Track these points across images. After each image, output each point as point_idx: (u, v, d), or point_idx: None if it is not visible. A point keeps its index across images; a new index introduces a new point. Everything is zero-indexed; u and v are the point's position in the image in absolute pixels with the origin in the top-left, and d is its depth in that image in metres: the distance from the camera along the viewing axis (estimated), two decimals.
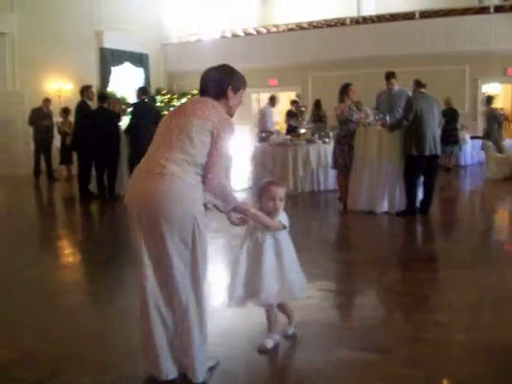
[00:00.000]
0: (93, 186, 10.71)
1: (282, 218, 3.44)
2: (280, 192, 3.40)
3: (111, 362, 3.38)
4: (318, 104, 13.78)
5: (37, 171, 13.99)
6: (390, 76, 8.83)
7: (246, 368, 3.35)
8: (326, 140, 10.94)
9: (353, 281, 5.28)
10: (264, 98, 19.36)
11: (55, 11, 15.84)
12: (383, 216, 8.14)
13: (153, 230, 2.92)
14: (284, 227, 3.43)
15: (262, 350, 3.47)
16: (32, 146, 14.30)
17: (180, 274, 2.95)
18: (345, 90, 8.72)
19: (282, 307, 3.63)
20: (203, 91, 3.19)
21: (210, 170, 2.96)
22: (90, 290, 5.19)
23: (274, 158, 10.81)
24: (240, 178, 13.55)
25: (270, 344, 3.51)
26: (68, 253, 7.01)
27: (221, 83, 3.18)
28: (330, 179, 10.61)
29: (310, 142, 10.94)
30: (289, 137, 11.70)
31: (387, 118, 8.49)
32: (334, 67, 16.69)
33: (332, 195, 9.90)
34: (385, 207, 8.25)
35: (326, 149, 10.61)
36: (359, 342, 3.61)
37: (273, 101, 13.69)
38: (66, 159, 13.80)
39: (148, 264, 2.97)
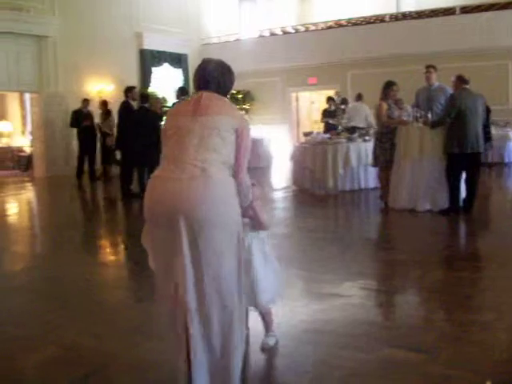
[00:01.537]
0: (134, 186, 10.85)
1: (264, 218, 3.44)
2: (256, 192, 3.35)
3: (153, 361, 3.42)
4: (359, 98, 13.67)
5: (79, 171, 14.23)
6: (430, 68, 8.65)
7: (286, 366, 3.36)
8: (367, 138, 10.86)
9: (395, 280, 5.24)
10: (302, 96, 19.36)
11: (96, 14, 16.11)
12: (425, 214, 8.04)
13: (202, 237, 2.80)
14: (268, 227, 3.46)
15: (266, 349, 3.50)
16: (75, 146, 14.55)
17: (230, 277, 2.89)
18: (387, 87, 8.66)
19: (263, 313, 3.57)
20: (210, 86, 3.07)
21: (240, 170, 2.96)
22: (133, 288, 5.27)
23: (313, 157, 10.77)
24: (280, 177, 13.62)
25: (272, 341, 3.53)
26: (111, 251, 7.13)
27: (228, 81, 3.15)
28: (370, 177, 10.54)
29: (349, 139, 10.89)
30: (328, 135, 11.66)
31: (429, 115, 8.38)
32: (373, 65, 16.57)
33: (373, 193, 9.83)
34: (427, 205, 8.15)
35: (366, 146, 10.52)
36: (402, 342, 3.58)
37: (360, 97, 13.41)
38: (107, 159, 14.03)
39: (190, 273, 2.82)
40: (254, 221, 3.35)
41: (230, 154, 2.92)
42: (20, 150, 18.18)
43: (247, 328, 3.60)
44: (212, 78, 3.08)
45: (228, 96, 3.20)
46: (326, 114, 14.46)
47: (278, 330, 3.70)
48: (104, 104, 14.06)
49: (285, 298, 4.36)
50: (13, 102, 19.11)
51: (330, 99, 14.61)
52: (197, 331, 2.84)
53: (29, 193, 13.61)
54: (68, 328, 4.10)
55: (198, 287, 2.83)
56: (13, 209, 11.32)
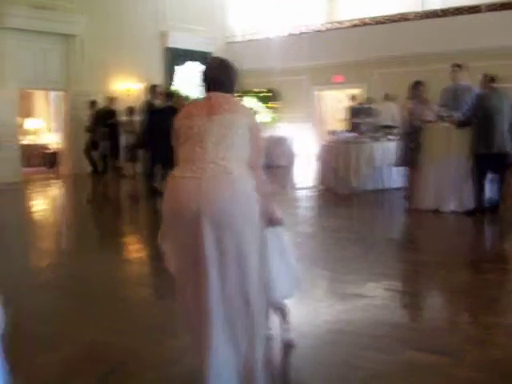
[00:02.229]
0: (158, 184, 10.89)
1: (279, 213, 3.44)
2: (272, 189, 3.41)
3: (174, 359, 3.44)
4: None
5: (104, 169, 14.33)
6: (456, 67, 8.56)
7: (307, 365, 3.35)
8: (391, 137, 10.79)
9: (419, 281, 5.20)
10: (327, 95, 19.27)
11: (122, 13, 16.20)
12: (450, 215, 7.96)
13: (225, 236, 2.80)
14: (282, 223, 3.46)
15: (287, 342, 3.55)
16: (100, 144, 14.65)
17: (252, 274, 2.88)
18: (415, 87, 8.61)
19: (280, 309, 3.60)
20: (218, 86, 3.09)
21: (256, 167, 2.98)
22: (156, 285, 5.29)
23: (337, 156, 10.72)
24: (304, 176, 13.58)
25: (291, 335, 3.59)
26: (134, 248, 7.18)
27: (233, 79, 3.16)
28: (394, 177, 10.45)
29: (373, 139, 10.82)
30: (353, 134, 11.60)
31: (455, 114, 8.29)
32: (398, 63, 16.43)
33: (397, 193, 9.76)
34: (452, 206, 8.07)
35: (390, 146, 10.43)
36: (426, 344, 3.55)
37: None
38: (131, 157, 14.11)
39: (213, 273, 2.82)
40: (267, 217, 3.35)
41: (247, 152, 2.94)
42: (46, 147, 18.37)
43: (269, 327, 3.61)
44: (217, 78, 3.11)
45: (235, 91, 3.20)
46: (352, 111, 14.38)
47: (300, 329, 3.71)
48: (130, 110, 14.14)
49: (307, 297, 4.39)
50: (40, 100, 19.31)
51: (354, 97, 14.56)
52: (219, 332, 2.84)
53: (54, 189, 13.76)
54: (91, 325, 4.14)
55: (220, 287, 2.83)
56: (39, 205, 11.46)
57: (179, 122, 3.08)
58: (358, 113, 13.93)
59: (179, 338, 3.67)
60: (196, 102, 3.22)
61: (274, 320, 3.63)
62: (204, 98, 3.10)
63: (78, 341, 3.83)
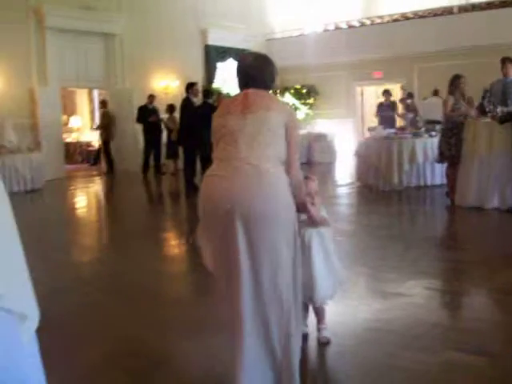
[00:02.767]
0: (198, 180, 10.96)
1: (324, 214, 3.44)
2: (313, 185, 3.39)
3: (214, 356, 3.42)
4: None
5: (145, 166, 14.52)
6: (505, 60, 8.32)
7: (345, 364, 3.32)
8: (433, 133, 10.61)
9: (461, 280, 5.09)
10: (367, 90, 19.09)
11: (161, 11, 16.33)
12: (493, 212, 7.79)
13: (259, 234, 2.79)
14: (328, 224, 3.46)
15: (325, 342, 3.53)
16: (141, 142, 14.85)
17: (287, 273, 2.86)
18: (455, 81, 8.44)
19: (317, 307, 3.58)
20: (254, 83, 3.04)
21: (292, 165, 2.94)
22: (197, 282, 5.30)
23: (378, 153, 10.59)
24: (345, 172, 13.50)
25: (328, 333, 3.57)
26: (175, 244, 7.23)
27: (271, 75, 3.11)
28: (437, 173, 10.29)
29: (415, 135, 10.66)
30: (394, 130, 11.47)
31: (498, 109, 8.10)
32: (441, 58, 16.14)
33: (439, 190, 9.60)
34: (495, 203, 7.89)
35: (432, 142, 10.26)
36: (466, 345, 3.47)
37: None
38: (172, 154, 14.26)
39: (246, 271, 2.80)
40: (310, 216, 3.33)
41: (282, 150, 2.91)
42: (88, 144, 18.70)
43: (306, 325, 3.59)
44: (253, 74, 3.06)
45: (273, 87, 3.18)
46: (381, 107, 14.33)
47: (338, 328, 3.68)
48: (170, 107, 14.30)
49: (346, 295, 4.34)
50: (82, 98, 19.66)
51: (385, 92, 14.44)
52: (252, 331, 2.83)
53: (96, 186, 13.97)
54: (131, 321, 4.18)
55: (253, 286, 2.82)
56: (81, 202, 11.65)
57: (215, 120, 3.07)
58: (385, 108, 13.91)
59: (218, 336, 3.68)
60: (232, 99, 3.18)
61: (312, 318, 3.61)
62: (239, 95, 3.08)
63: (118, 337, 3.87)
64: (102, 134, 15.61)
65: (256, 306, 2.83)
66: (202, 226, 3.03)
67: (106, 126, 15.50)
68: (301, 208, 3.14)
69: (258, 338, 2.85)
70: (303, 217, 3.28)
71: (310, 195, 3.34)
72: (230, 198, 2.78)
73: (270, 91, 3.15)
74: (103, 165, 15.83)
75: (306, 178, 3.34)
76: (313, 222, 3.36)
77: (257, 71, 3.07)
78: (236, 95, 3.17)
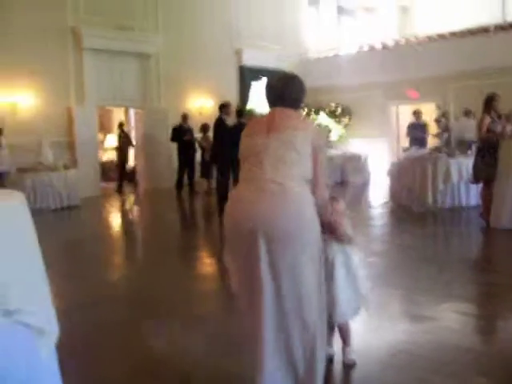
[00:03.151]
0: None
1: (350, 232, 3.41)
2: (341, 205, 3.37)
3: (238, 373, 3.40)
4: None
5: (179, 184, 14.62)
6: None
7: None
8: (468, 153, 10.47)
9: (494, 304, 4.96)
10: (403, 110, 18.96)
11: (196, 31, 16.54)
12: None
13: (282, 254, 2.78)
14: (352, 241, 3.44)
15: (351, 364, 3.48)
16: (175, 160, 14.97)
17: (310, 293, 2.85)
18: (489, 100, 8.33)
19: (342, 327, 3.53)
20: (281, 102, 3.06)
21: (318, 185, 2.93)
22: (225, 300, 5.28)
23: (412, 173, 10.48)
24: (378, 193, 13.38)
25: (354, 356, 3.51)
26: (206, 262, 7.24)
27: (299, 94, 3.11)
28: (472, 194, 10.12)
29: (450, 155, 10.53)
30: (428, 150, 11.36)
31: None
32: (476, 77, 15.96)
33: (474, 211, 9.43)
34: None
35: (467, 162, 10.11)
36: (498, 371, 3.39)
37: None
38: (205, 173, 14.36)
39: (268, 292, 2.80)
40: (336, 235, 3.32)
41: (308, 169, 2.89)
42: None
43: (331, 346, 3.54)
44: (282, 93, 3.07)
45: (301, 106, 3.20)
46: (412, 128, 14.20)
47: (364, 351, 3.62)
48: (204, 127, 14.45)
49: (375, 317, 4.28)
50: (118, 117, 19.93)
51: (415, 113, 14.31)
52: (274, 353, 2.81)
53: (131, 204, 14.10)
54: (158, 338, 4.19)
55: (277, 305, 2.80)
56: (115, 219, 11.78)
57: (242, 139, 3.09)
58: (416, 129, 13.80)
59: (245, 354, 3.67)
60: (259, 119, 3.20)
61: (337, 340, 3.56)
62: (267, 115, 3.09)
63: (143, 353, 3.88)
64: (118, 156, 15.89)
65: (279, 325, 2.82)
66: (227, 246, 3.03)
67: (122, 147, 15.76)
68: (326, 227, 3.12)
69: (281, 359, 2.83)
70: (326, 237, 3.27)
71: (338, 215, 3.31)
72: (253, 216, 2.78)
73: (299, 110, 3.15)
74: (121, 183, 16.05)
75: (333, 198, 3.32)
76: (338, 239, 3.34)
77: (284, 90, 3.08)
78: (264, 115, 3.19)
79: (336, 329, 3.54)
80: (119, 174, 15.83)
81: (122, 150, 15.84)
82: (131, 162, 17.57)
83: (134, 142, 16.27)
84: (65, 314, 4.76)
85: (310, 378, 2.84)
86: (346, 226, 3.43)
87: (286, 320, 2.82)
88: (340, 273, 3.38)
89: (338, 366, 3.50)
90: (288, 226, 2.76)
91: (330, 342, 3.55)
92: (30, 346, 1.65)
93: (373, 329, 4.18)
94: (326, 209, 3.02)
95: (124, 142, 15.86)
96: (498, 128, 8.23)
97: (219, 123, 10.93)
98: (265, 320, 2.78)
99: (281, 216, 2.77)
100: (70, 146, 14.17)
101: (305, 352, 2.85)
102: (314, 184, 2.93)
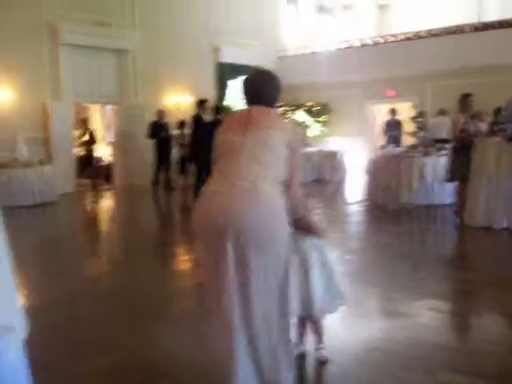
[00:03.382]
0: None
1: (322, 225, 3.48)
2: (312, 203, 3.42)
3: (216, 372, 3.40)
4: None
5: (155, 181, 14.57)
6: None
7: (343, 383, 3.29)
8: (443, 152, 10.56)
9: (467, 301, 5.02)
10: (380, 109, 19.08)
11: (174, 28, 16.46)
12: (502, 232, 7.71)
13: (250, 252, 2.78)
14: (326, 235, 3.48)
15: (323, 361, 3.49)
16: (151, 157, 14.91)
17: (277, 293, 2.86)
18: (464, 100, 8.41)
19: (315, 325, 3.56)
20: (258, 99, 3.05)
21: (292, 185, 2.93)
22: (201, 296, 5.27)
23: (387, 171, 10.56)
24: (355, 190, 13.45)
25: (326, 352, 3.53)
26: (182, 259, 7.22)
27: (275, 91, 3.10)
28: (446, 192, 10.22)
29: (425, 153, 10.62)
30: (404, 149, 11.45)
31: (508, 128, 8.02)
32: (453, 76, 16.10)
33: (448, 209, 9.54)
34: (504, 223, 7.82)
35: (442, 161, 10.19)
36: (466, 366, 3.43)
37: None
38: (182, 170, 14.33)
39: (235, 288, 2.80)
40: (309, 231, 3.34)
41: (282, 169, 2.89)
42: (100, 159, 18.75)
43: (304, 344, 3.56)
44: (258, 91, 3.06)
45: (277, 103, 3.18)
46: (388, 126, 14.30)
47: (336, 347, 3.65)
48: (181, 124, 14.42)
49: (349, 314, 4.31)
50: (95, 114, 19.78)
51: (391, 111, 14.41)
52: (242, 348, 2.82)
53: (106, 200, 14.04)
54: (134, 334, 4.19)
55: (244, 303, 2.81)
56: (91, 216, 11.70)
57: (217, 136, 3.07)
58: (391, 127, 13.92)
59: (215, 352, 3.66)
60: (234, 115, 3.19)
61: (309, 336, 3.58)
62: (243, 112, 3.08)
63: (120, 350, 3.87)
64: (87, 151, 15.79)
65: (246, 322, 2.83)
66: (197, 241, 3.03)
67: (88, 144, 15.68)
68: (298, 223, 3.13)
69: (249, 352, 2.84)
70: (298, 232, 3.28)
71: (307, 211, 3.33)
72: (224, 212, 2.78)
73: (276, 108, 3.14)
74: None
75: (305, 195, 3.33)
76: (314, 232, 3.35)
77: (260, 88, 3.07)
78: (239, 111, 3.18)
79: (309, 326, 3.56)
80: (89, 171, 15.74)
81: (88, 146, 15.69)
82: (107, 158, 17.47)
83: (96, 139, 16.24)
84: (40, 311, 4.76)
85: (276, 375, 2.86)
86: (318, 221, 3.46)
87: (252, 318, 2.82)
88: (315, 270, 3.39)
89: (310, 363, 3.51)
90: (258, 224, 2.76)
91: (302, 339, 3.57)
92: None
93: (349, 326, 4.21)
94: (297, 207, 3.02)
95: (89, 138, 15.74)
96: (472, 128, 8.31)
97: (197, 119, 10.92)
98: (233, 315, 2.79)
99: (251, 214, 2.76)
100: (46, 142, 14.02)
101: (270, 348, 2.87)
102: (287, 184, 2.92)
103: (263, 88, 3.08)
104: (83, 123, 15.91)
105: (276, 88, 3.13)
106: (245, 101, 3.14)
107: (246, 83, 3.14)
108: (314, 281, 3.38)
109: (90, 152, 15.78)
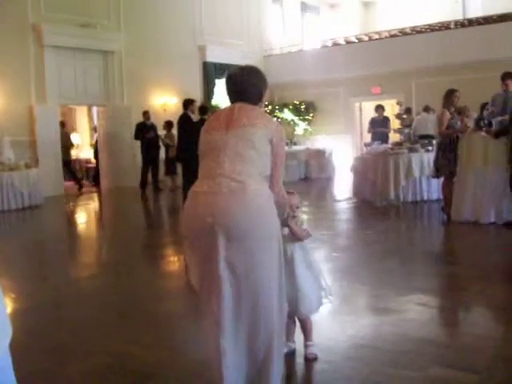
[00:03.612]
0: None
1: (304, 226, 3.49)
2: (295, 199, 3.40)
3: (199, 373, 3.40)
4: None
5: (143, 182, 14.55)
6: (505, 77, 8.21)
7: (329, 382, 3.29)
8: (429, 148, 10.61)
9: (454, 295, 5.04)
10: (366, 106, 19.15)
11: (159, 28, 16.43)
12: (489, 227, 7.75)
13: (240, 250, 2.77)
14: (310, 235, 3.48)
15: (312, 358, 3.49)
16: (139, 158, 14.88)
17: (268, 291, 2.84)
18: (449, 96, 8.44)
19: (303, 322, 3.56)
20: (241, 96, 3.02)
21: (276, 181, 2.93)
22: (189, 299, 5.28)
23: (374, 168, 10.60)
24: (342, 188, 13.49)
25: (316, 349, 3.53)
26: (170, 261, 7.22)
27: (259, 88, 3.07)
28: (433, 188, 10.28)
29: (412, 150, 10.66)
30: (390, 145, 11.49)
31: (498, 119, 8.04)
32: (438, 73, 16.17)
33: (435, 205, 9.59)
34: (491, 218, 7.86)
35: (428, 157, 10.25)
36: (455, 361, 3.44)
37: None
38: (170, 170, 14.30)
39: (227, 287, 2.79)
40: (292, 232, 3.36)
41: (266, 165, 2.88)
42: (88, 161, 18.72)
43: (293, 341, 3.57)
44: (242, 87, 3.03)
45: (264, 98, 3.15)
46: (374, 123, 14.27)
47: (324, 344, 3.66)
48: (168, 124, 14.39)
49: (336, 311, 4.33)
50: (81, 115, 19.72)
51: (378, 108, 14.36)
52: (232, 346, 2.81)
53: (94, 203, 13.98)
54: (120, 337, 4.18)
55: (234, 299, 2.81)
56: (79, 218, 11.65)
57: (201, 135, 3.06)
58: (377, 124, 13.92)
59: (203, 352, 3.67)
60: (218, 113, 3.18)
61: (297, 334, 3.59)
62: (226, 110, 3.07)
63: (104, 352, 3.86)
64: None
65: (237, 322, 2.82)
66: (186, 242, 3.02)
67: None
68: (283, 224, 3.14)
69: (240, 352, 2.84)
70: (285, 231, 3.29)
71: (291, 209, 3.34)
72: (212, 213, 2.76)
73: (260, 104, 3.12)
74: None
75: (288, 192, 3.33)
76: (295, 237, 3.38)
77: (244, 84, 3.04)
78: (223, 109, 3.17)
79: (297, 323, 3.57)
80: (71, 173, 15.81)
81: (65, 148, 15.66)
82: (92, 160, 17.47)
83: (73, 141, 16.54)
84: (26, 314, 4.74)
85: (267, 378, 2.86)
86: (300, 219, 3.48)
87: (244, 316, 2.82)
88: (300, 268, 3.41)
89: (299, 360, 3.52)
90: (247, 222, 2.76)
91: (291, 337, 3.57)
92: None
93: (337, 323, 4.22)
94: (283, 207, 3.03)
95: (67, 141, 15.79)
96: (458, 124, 8.35)
97: (184, 120, 10.89)
98: (223, 317, 2.78)
99: (240, 212, 2.75)
100: (32, 145, 13.95)
101: (262, 347, 2.85)
102: (272, 182, 2.92)
103: (246, 84, 3.04)
104: (61, 125, 15.81)
105: (260, 83, 3.09)
106: (228, 97, 3.12)
107: (229, 80, 3.10)
108: (299, 279, 3.39)
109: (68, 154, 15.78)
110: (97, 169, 16.91)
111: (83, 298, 5.35)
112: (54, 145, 14.48)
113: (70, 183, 16.07)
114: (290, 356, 3.50)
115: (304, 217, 3.62)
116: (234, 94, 3.06)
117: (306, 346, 3.55)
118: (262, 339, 2.84)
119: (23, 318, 4.70)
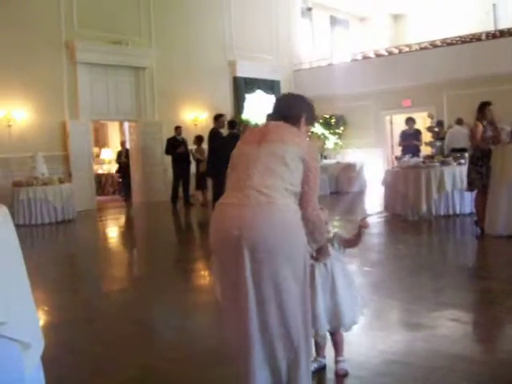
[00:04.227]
0: None
1: (336, 240, 3.51)
2: (324, 215, 3.33)
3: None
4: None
5: (174, 197, 14.62)
6: None
7: None
8: (462, 161, 10.49)
9: (487, 311, 4.95)
10: (397, 119, 19.04)
11: (190, 44, 16.64)
12: None
13: (266, 264, 2.76)
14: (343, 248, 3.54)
15: (345, 373, 3.45)
16: (170, 173, 14.99)
17: (294, 306, 2.83)
18: (482, 108, 8.35)
19: (335, 337, 3.52)
20: (279, 116, 3.11)
21: (309, 200, 2.90)
22: (217, 314, 5.27)
23: (406, 181, 10.51)
24: (373, 202, 13.40)
25: (346, 365, 3.49)
26: (201, 275, 7.23)
27: (299, 110, 3.15)
28: (466, 202, 10.14)
29: (444, 163, 10.55)
30: (421, 159, 11.39)
31: None
32: (469, 85, 16.04)
33: (468, 219, 9.46)
34: None
35: (461, 170, 10.13)
36: (488, 378, 3.37)
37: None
38: (201, 185, 14.36)
39: (253, 301, 2.78)
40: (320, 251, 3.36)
41: (296, 182, 2.88)
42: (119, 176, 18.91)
43: (324, 356, 3.54)
44: (281, 108, 3.15)
45: (308, 127, 3.24)
46: (404, 136, 14.08)
47: (355, 359, 3.62)
48: (199, 139, 14.49)
49: (367, 326, 4.28)
50: (113, 131, 19.98)
51: (408, 120, 14.18)
52: (259, 362, 2.80)
53: (126, 217, 14.10)
54: (149, 351, 4.18)
55: (260, 314, 2.79)
56: (110, 233, 11.77)
57: (235, 149, 3.10)
58: (408, 137, 13.73)
59: (230, 366, 3.66)
60: (254, 128, 3.26)
61: (328, 349, 3.56)
62: (262, 126, 3.15)
63: (137, 366, 3.87)
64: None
65: (262, 335, 2.81)
66: (213, 256, 3.04)
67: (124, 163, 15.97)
68: (319, 251, 3.17)
69: (266, 369, 2.82)
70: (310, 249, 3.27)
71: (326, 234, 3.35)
72: (238, 225, 2.77)
73: (299, 126, 3.14)
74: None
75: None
76: (348, 244, 3.54)
77: (283, 104, 3.21)
78: (259, 126, 3.24)
79: (328, 338, 3.54)
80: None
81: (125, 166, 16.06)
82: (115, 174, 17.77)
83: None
84: (58, 328, 4.79)
85: None
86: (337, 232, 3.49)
87: (269, 331, 2.80)
88: (340, 281, 3.40)
89: (330, 376, 3.49)
90: (273, 236, 2.75)
91: (322, 352, 3.55)
92: (15, 360, 1.65)
93: (369, 338, 4.18)
94: (320, 229, 3.02)
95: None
96: (491, 134, 8.24)
97: (214, 134, 10.97)
98: (249, 333, 2.77)
99: (266, 226, 2.75)
100: (65, 160, 14.18)
101: (288, 364, 2.84)
102: (304, 201, 2.90)
103: (286, 105, 3.18)
104: (122, 145, 16.27)
105: (301, 106, 3.19)
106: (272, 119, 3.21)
107: (275, 101, 3.28)
108: (340, 293, 3.38)
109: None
110: (124, 183, 17.08)
111: (114, 312, 5.39)
112: (87, 159, 14.70)
113: (102, 197, 16.28)
114: (321, 371, 3.48)
115: (335, 230, 3.59)
116: (275, 113, 3.17)
117: (336, 362, 3.51)
118: (287, 356, 2.83)
119: (56, 331, 4.75)
